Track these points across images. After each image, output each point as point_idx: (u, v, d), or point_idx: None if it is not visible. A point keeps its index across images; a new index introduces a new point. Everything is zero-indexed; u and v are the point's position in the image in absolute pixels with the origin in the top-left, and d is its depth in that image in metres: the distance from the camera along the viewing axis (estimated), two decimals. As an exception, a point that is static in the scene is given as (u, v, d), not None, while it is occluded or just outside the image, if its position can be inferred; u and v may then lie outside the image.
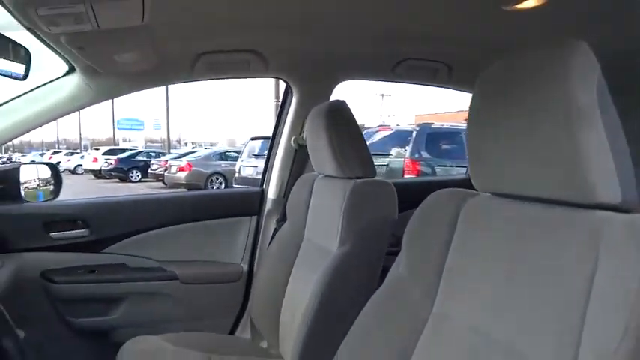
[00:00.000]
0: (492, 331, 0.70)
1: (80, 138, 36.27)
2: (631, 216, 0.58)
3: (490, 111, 0.75)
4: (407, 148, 7.20)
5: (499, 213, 0.77)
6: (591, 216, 0.61)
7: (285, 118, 1.89)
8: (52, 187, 1.81)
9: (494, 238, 0.75)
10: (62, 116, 1.52)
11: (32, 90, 1.46)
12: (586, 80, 0.61)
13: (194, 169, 13.09)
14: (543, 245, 0.66)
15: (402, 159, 7.05)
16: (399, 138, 7.60)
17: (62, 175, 1.89)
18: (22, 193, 1.67)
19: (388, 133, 8.20)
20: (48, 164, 1.89)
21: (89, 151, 23.08)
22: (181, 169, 13.16)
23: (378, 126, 9.48)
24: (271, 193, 1.92)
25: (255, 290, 1.74)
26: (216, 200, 2.02)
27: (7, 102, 1.46)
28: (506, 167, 0.73)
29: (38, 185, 1.82)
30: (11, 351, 1.02)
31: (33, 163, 2.18)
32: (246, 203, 1.94)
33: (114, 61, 1.31)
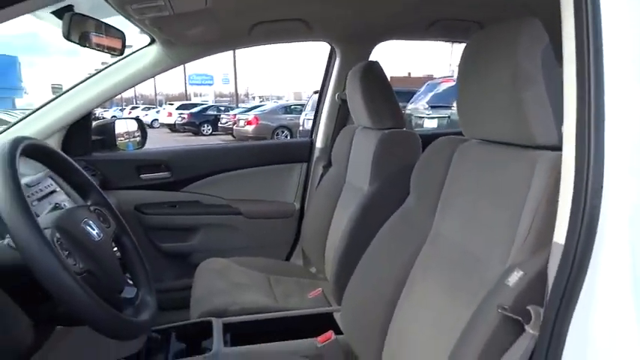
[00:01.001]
0: (465, 243, 0.94)
1: (155, 94, 37.95)
2: (558, 152, 0.79)
3: (471, 73, 0.96)
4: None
5: (477, 153, 0.99)
6: (532, 153, 0.82)
7: (330, 76, 2.11)
8: (138, 139, 2.19)
9: (471, 172, 0.98)
10: (145, 80, 1.84)
11: (122, 59, 1.78)
12: (531, 50, 0.81)
13: (261, 123, 13.44)
14: (500, 176, 0.88)
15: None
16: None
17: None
18: (117, 142, 2.05)
19: (452, 84, 8.06)
20: (136, 119, 2.24)
21: (164, 106, 24.15)
22: (249, 123, 13.60)
23: (442, 77, 9.27)
24: (319, 143, 2.18)
25: (306, 225, 2.03)
26: (273, 149, 2.30)
27: (104, 69, 1.80)
28: (480, 117, 0.94)
29: (128, 137, 2.19)
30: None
31: (124, 118, 2.52)
32: (298, 151, 2.21)
33: (185, 35, 1.60)
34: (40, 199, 1.24)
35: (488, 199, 0.91)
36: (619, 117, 0.59)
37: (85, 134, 1.90)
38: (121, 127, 2.10)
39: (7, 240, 0.81)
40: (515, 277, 0.73)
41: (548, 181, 0.75)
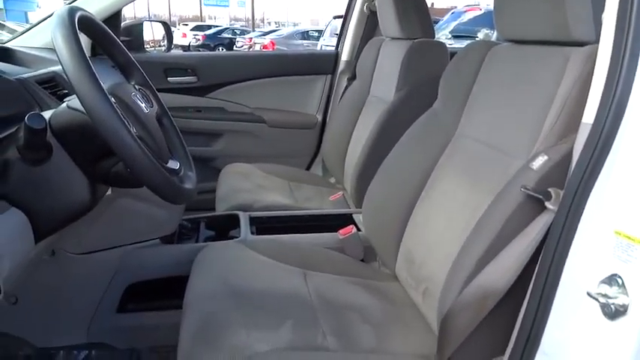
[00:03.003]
0: (491, 140, 0.98)
1: (169, 14, 36.94)
2: (593, 45, 0.80)
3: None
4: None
5: (509, 54, 1.01)
6: (566, 49, 0.84)
7: (360, -15, 2.07)
8: (165, 42, 2.20)
9: (503, 71, 1.01)
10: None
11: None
12: None
13: (277, 48, 13.24)
14: (532, 70, 0.91)
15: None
16: (489, 19, 7.16)
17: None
18: (145, 44, 2.06)
19: (478, 13, 7.73)
20: (162, 22, 2.24)
21: (178, 26, 23.64)
22: (265, 47, 13.33)
23: (467, 6, 8.89)
24: (344, 55, 2.17)
25: (327, 136, 2.08)
26: (298, 59, 2.29)
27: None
28: (518, 15, 0.95)
29: (154, 44, 2.20)
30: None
31: (152, 20, 2.49)
32: (322, 63, 2.21)
33: None
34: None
35: (518, 93, 0.94)
36: None
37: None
38: (148, 29, 2.11)
39: (67, 102, 0.86)
40: (539, 162, 0.78)
41: (582, 71, 0.78)
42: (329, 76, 2.20)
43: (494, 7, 1.01)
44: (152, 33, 2.23)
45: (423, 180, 1.12)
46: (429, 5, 1.69)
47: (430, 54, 1.56)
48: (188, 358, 0.85)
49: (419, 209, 1.12)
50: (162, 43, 2.37)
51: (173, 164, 0.94)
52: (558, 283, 0.65)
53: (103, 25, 0.96)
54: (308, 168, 2.25)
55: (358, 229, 1.39)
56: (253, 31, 20.03)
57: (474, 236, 0.85)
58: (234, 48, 16.20)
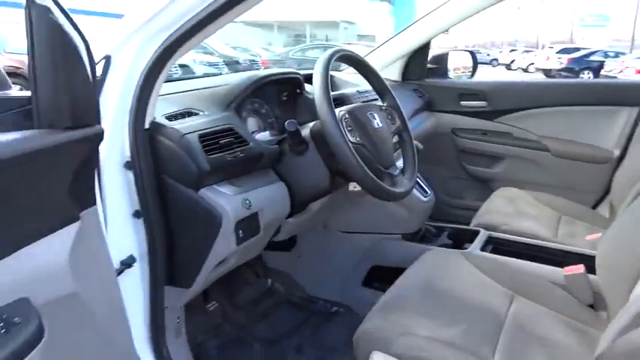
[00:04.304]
0: None
1: (537, 36, 36.01)
2: None
3: None
4: None
5: None
6: None
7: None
8: (470, 70, 2.42)
9: None
10: (480, 10, 1.97)
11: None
12: None
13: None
14: None
15: None
16: None
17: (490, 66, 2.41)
18: (449, 71, 2.34)
19: None
20: (470, 52, 2.46)
21: (539, 49, 22.86)
22: (638, 72, 11.62)
23: None
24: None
25: (619, 176, 1.85)
26: (600, 89, 2.11)
27: (440, 5, 2.04)
28: None
29: (461, 70, 2.44)
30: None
31: (458, 50, 2.74)
32: (630, 94, 1.98)
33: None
34: None
35: None
36: None
37: (421, 62, 2.25)
38: (454, 58, 2.38)
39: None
40: None
41: None
42: (637, 108, 1.95)
43: None
44: (460, 59, 2.47)
45: None
46: None
47: None
48: (368, 322, 1.08)
49: None
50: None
51: (393, 170, 1.19)
52: None
53: (361, 58, 1.28)
54: (595, 206, 2.05)
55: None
56: (630, 53, 17.51)
57: None
58: (601, 72, 14.65)
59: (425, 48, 2.20)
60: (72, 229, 0.74)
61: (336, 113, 1.08)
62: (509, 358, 0.98)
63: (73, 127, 0.69)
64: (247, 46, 15.04)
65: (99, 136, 0.74)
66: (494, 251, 1.51)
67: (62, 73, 0.67)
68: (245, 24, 24.11)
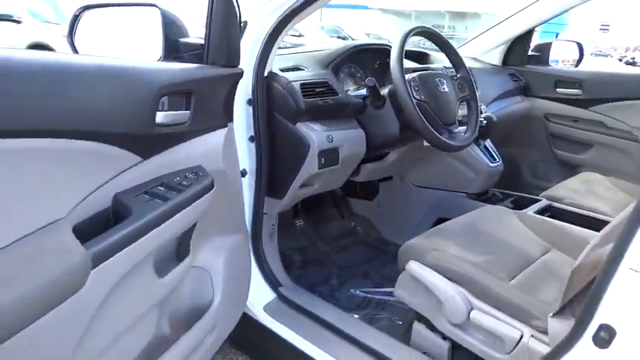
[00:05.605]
0: None
1: None
2: None
3: None
4: None
5: None
6: None
7: None
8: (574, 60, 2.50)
9: None
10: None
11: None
12: None
13: None
14: None
15: None
16: None
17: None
18: (554, 62, 2.45)
19: None
20: (577, 43, 2.52)
21: None
22: None
23: None
24: None
25: None
26: None
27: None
28: None
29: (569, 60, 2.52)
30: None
31: (563, 40, 2.76)
32: None
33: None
34: None
35: None
36: None
37: (522, 49, 2.39)
38: (558, 49, 2.48)
39: None
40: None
41: None
42: None
43: None
44: (564, 50, 2.56)
45: None
46: None
47: None
48: (412, 240, 1.35)
49: None
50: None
51: (453, 127, 1.45)
52: None
53: (439, 34, 1.54)
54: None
55: None
56: None
57: None
58: None
59: (527, 36, 2.34)
60: (224, 131, 1.12)
61: (407, 77, 1.37)
62: (524, 285, 1.16)
63: (226, 66, 1.06)
64: (381, 33, 15.32)
65: (240, 75, 1.12)
66: (548, 217, 1.67)
67: (225, 30, 1.04)
68: (383, 12, 24.34)
